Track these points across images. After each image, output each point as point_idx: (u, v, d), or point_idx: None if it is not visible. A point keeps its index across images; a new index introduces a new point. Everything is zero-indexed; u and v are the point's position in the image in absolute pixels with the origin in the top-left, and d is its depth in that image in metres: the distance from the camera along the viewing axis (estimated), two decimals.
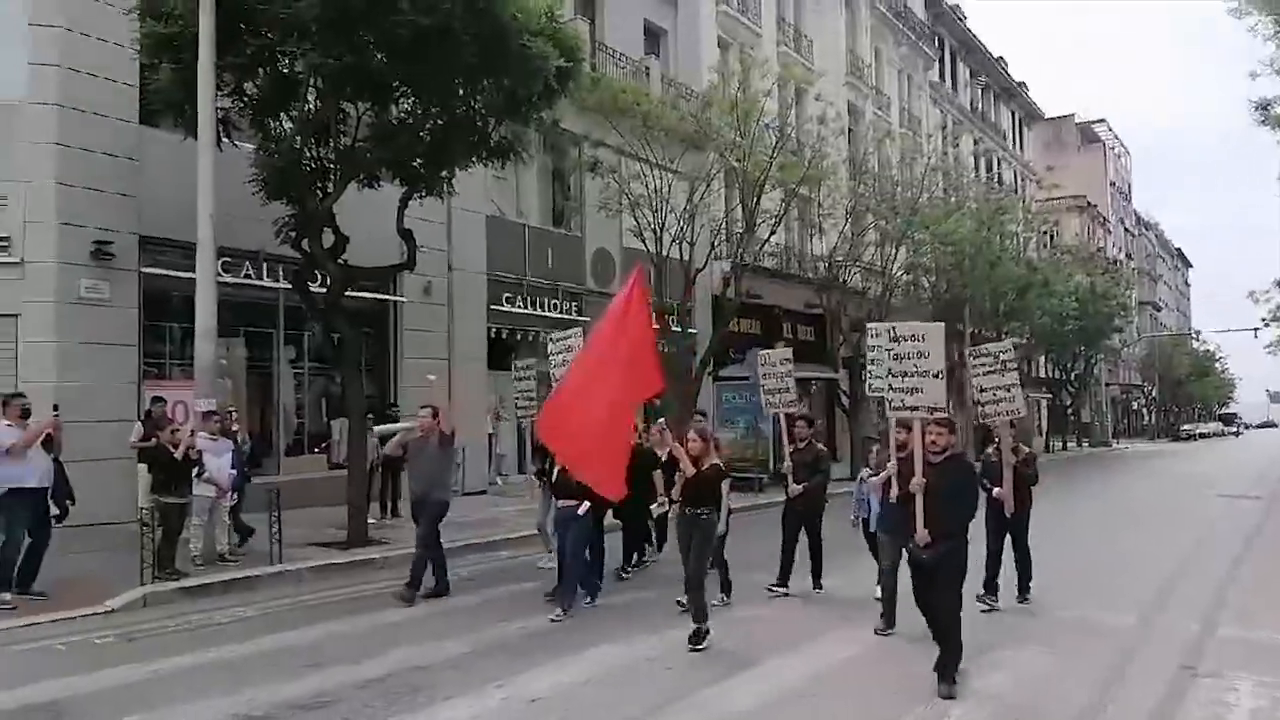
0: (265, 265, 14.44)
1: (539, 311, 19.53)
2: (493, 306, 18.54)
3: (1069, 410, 48.90)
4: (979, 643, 6.90)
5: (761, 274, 22.93)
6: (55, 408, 9.39)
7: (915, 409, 6.64)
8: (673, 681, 6.23)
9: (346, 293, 12.24)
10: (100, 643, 7.07)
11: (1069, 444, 48.19)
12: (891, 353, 6.96)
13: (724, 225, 21.00)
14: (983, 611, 8.01)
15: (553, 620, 7.90)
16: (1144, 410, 77.71)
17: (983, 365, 8.48)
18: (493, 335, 18.62)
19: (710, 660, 6.77)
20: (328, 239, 11.84)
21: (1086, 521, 16.16)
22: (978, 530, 7.01)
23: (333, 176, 11.68)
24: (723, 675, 6.36)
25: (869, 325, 7.14)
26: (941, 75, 42.01)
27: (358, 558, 10.67)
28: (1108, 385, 62.39)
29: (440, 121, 11.60)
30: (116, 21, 11.75)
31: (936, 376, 6.68)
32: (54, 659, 6.64)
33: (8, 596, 8.01)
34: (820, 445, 9.42)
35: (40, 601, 8.08)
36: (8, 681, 6.04)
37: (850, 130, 28.71)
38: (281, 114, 11.36)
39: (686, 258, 18.71)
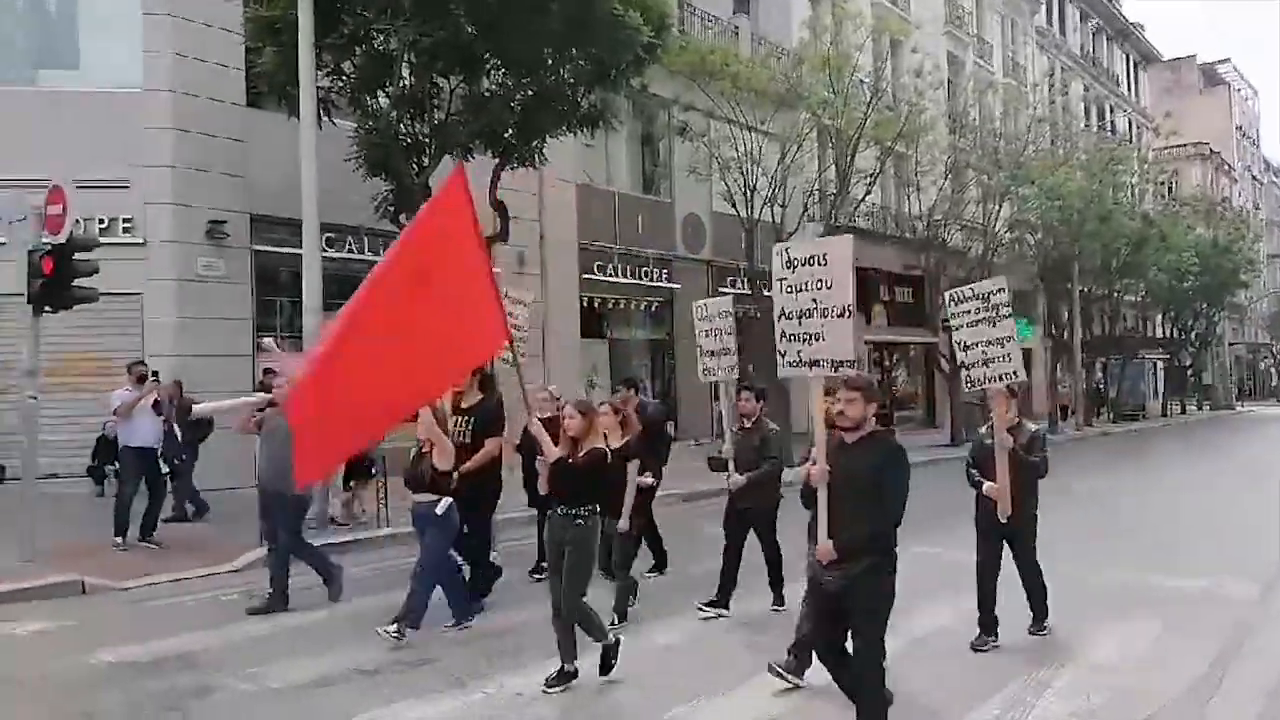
0: (366, 239, 14.91)
1: (630, 279, 19.60)
2: (584, 275, 18.70)
3: (1189, 371, 46.38)
4: (1085, 613, 6.67)
5: (856, 234, 22.36)
6: (155, 375, 9.75)
7: (815, 364, 4.66)
8: None
9: None
10: (226, 599, 7.53)
11: (1188, 407, 45.78)
12: (784, 284, 4.79)
13: (816, 186, 20.56)
14: (979, 651, 5.96)
15: (386, 633, 6.11)
16: (1272, 371, 73.05)
17: (965, 312, 6.13)
18: (585, 304, 18.81)
19: (583, 706, 5.10)
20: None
21: (1201, 486, 15.38)
22: (967, 538, 6.26)
23: (428, 150, 11.94)
24: None
25: (775, 247, 5.00)
26: (1049, 19, 39.84)
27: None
28: (1231, 345, 58.82)
29: (530, 92, 11.71)
30: (222, 7, 12.24)
31: (842, 315, 4.59)
32: (184, 614, 7.11)
33: (120, 540, 8.94)
34: (771, 424, 7.09)
35: (163, 556, 8.72)
36: (142, 634, 6.50)
37: (949, 82, 27.59)
38: (378, 91, 11.66)
39: (778, 220, 18.43)
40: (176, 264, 12.74)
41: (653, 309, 20.71)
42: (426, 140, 11.99)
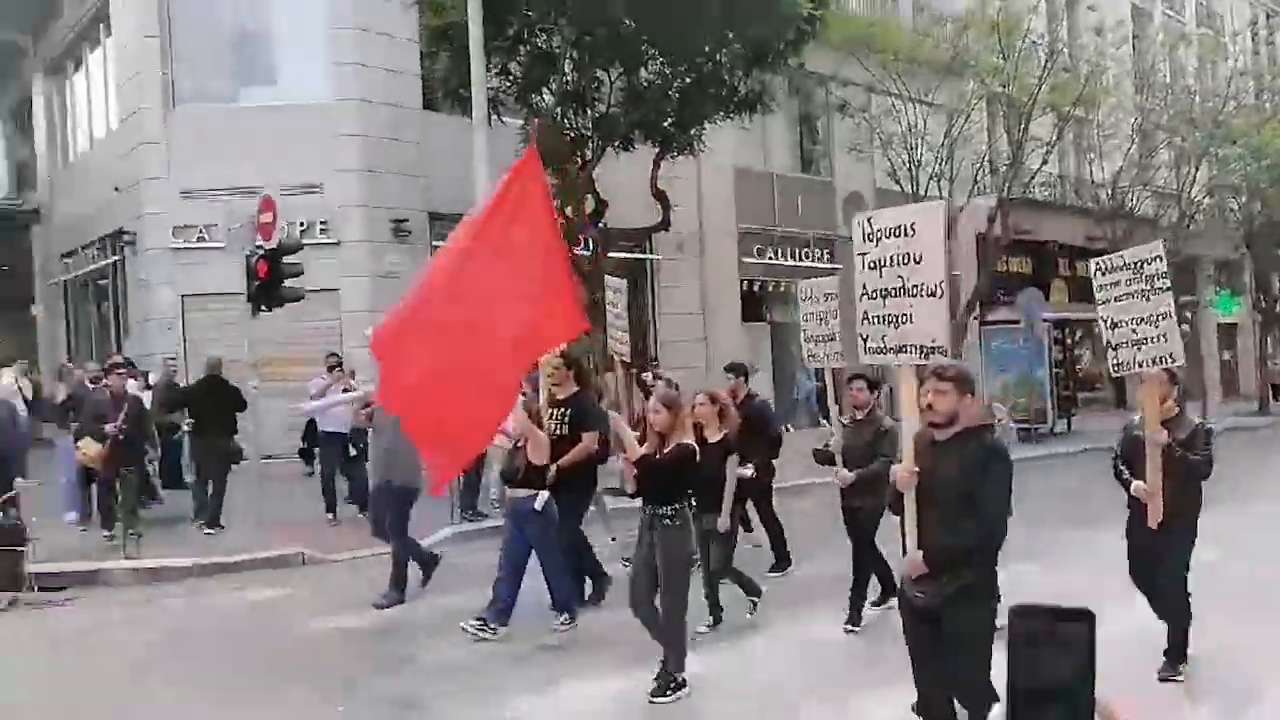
0: None
1: (790, 261, 19.42)
2: (744, 259, 18.68)
3: None
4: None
5: (1032, 207, 21.19)
6: (339, 365, 10.47)
7: (902, 349, 4.10)
8: None
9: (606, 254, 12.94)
10: (415, 573, 8.13)
11: None
12: (866, 259, 4.24)
13: (987, 158, 19.59)
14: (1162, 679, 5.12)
15: (555, 628, 6.26)
16: None
17: (1114, 284, 5.34)
18: (744, 287, 18.81)
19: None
20: (589, 204, 12.54)
21: None
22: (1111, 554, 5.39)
23: (590, 143, 12.31)
24: None
25: (855, 217, 4.42)
26: None
27: (623, 504, 11.33)
28: None
29: (688, 80, 11.83)
30: (399, 18, 13.03)
31: (934, 294, 3.96)
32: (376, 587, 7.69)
33: (331, 516, 9.93)
34: (887, 418, 6.46)
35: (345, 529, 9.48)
36: (356, 603, 7.16)
37: (1135, 37, 25.53)
38: (543, 88, 12.11)
39: (946, 195, 17.73)
40: (367, 261, 13.74)
41: None
42: (589, 133, 12.36)
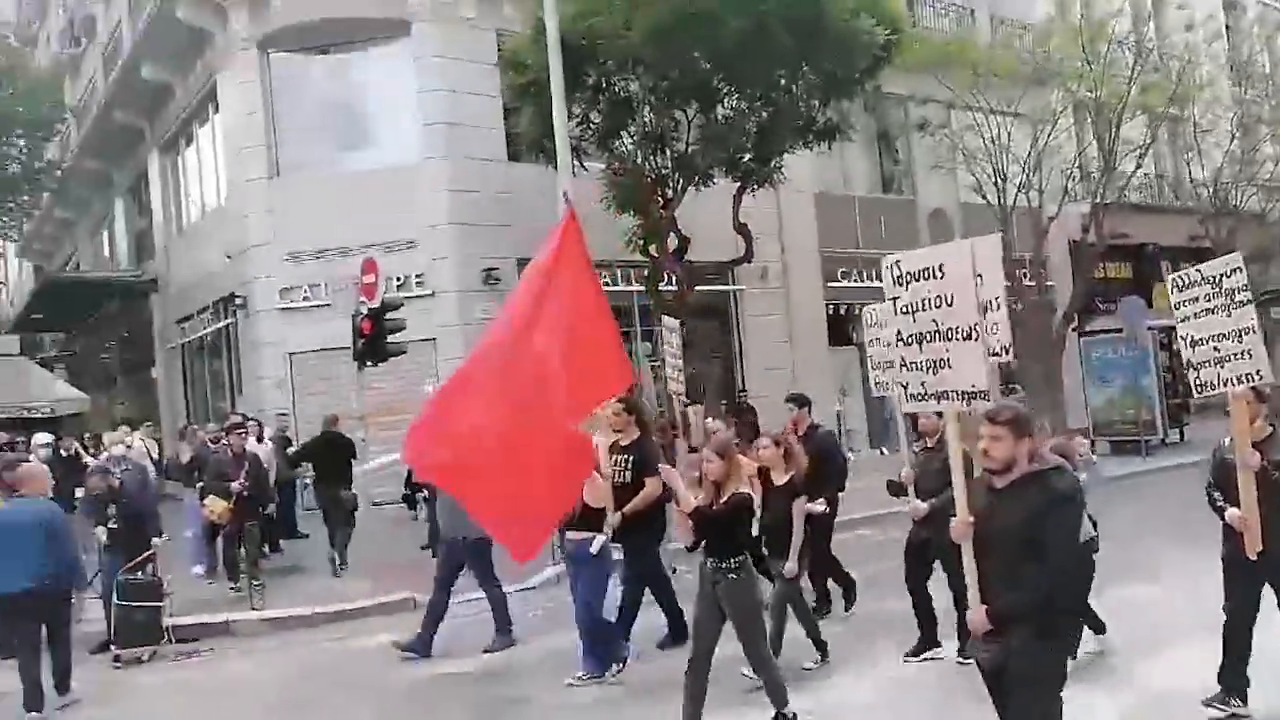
0: (619, 271, 15.79)
1: (875, 283, 18.93)
2: (828, 283, 18.59)
3: None
4: None
5: (1129, 210, 20.43)
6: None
7: (943, 396, 4.02)
8: None
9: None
10: (532, 615, 8.32)
11: None
12: (899, 304, 4.15)
13: (1077, 164, 19.06)
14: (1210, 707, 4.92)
15: (570, 683, 6.18)
16: None
17: (1192, 299, 5.11)
18: (830, 312, 18.68)
19: None
20: (672, 242, 12.74)
21: None
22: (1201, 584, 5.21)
23: (671, 183, 12.53)
24: None
25: (884, 260, 4.29)
26: None
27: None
28: None
29: (765, 114, 11.96)
30: (483, 77, 13.59)
31: (969, 338, 3.86)
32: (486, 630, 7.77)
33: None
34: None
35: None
36: (468, 647, 7.38)
37: (1228, 29, 24.53)
38: (622, 132, 12.42)
39: (1035, 205, 17.33)
40: (460, 310, 14.23)
41: None
42: (669, 173, 12.60)
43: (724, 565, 4.98)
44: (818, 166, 18.42)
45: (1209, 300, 5.02)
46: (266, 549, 10.86)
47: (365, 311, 9.49)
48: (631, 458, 6.66)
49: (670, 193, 12.51)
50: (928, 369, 4.05)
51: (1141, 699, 5.34)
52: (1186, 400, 21.45)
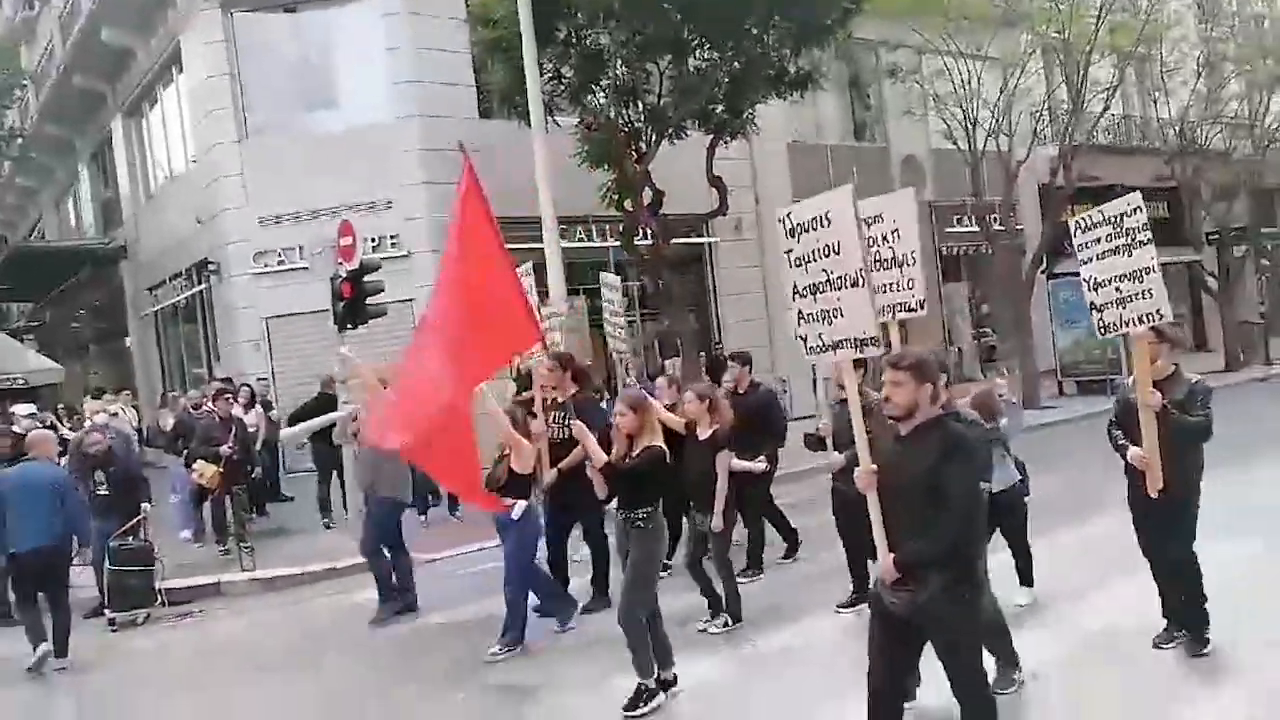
0: (594, 227, 15.81)
1: None
2: None
3: None
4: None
5: (1097, 152, 20.64)
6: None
7: (838, 346, 4.01)
8: None
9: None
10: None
11: None
12: (792, 256, 4.14)
13: (1046, 107, 19.17)
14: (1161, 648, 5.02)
15: (490, 656, 6.08)
16: None
17: (1094, 241, 5.05)
18: None
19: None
20: (646, 196, 12.77)
21: None
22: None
23: (644, 136, 12.52)
24: None
25: (777, 212, 4.28)
26: None
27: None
28: None
29: (737, 64, 11.94)
30: (451, 33, 13.42)
31: (856, 284, 3.86)
32: (483, 580, 7.87)
33: (423, 518, 10.21)
34: (875, 394, 5.52)
35: (458, 529, 9.93)
36: (455, 600, 7.58)
37: None
38: (594, 87, 12.36)
39: (1005, 149, 17.47)
40: (436, 271, 14.18)
41: None
42: (642, 127, 12.58)
43: (632, 516, 5.04)
44: (790, 116, 18.38)
45: (1110, 241, 4.97)
46: (254, 512, 11.00)
47: (344, 274, 9.50)
48: (566, 414, 6.58)
49: (644, 146, 12.51)
50: (822, 319, 4.04)
51: (1088, 637, 5.41)
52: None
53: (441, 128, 14.29)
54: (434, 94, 14.26)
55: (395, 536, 7.35)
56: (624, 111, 12.43)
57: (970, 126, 17.41)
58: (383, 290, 9.86)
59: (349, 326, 9.67)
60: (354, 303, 9.51)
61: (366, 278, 9.68)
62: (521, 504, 6.08)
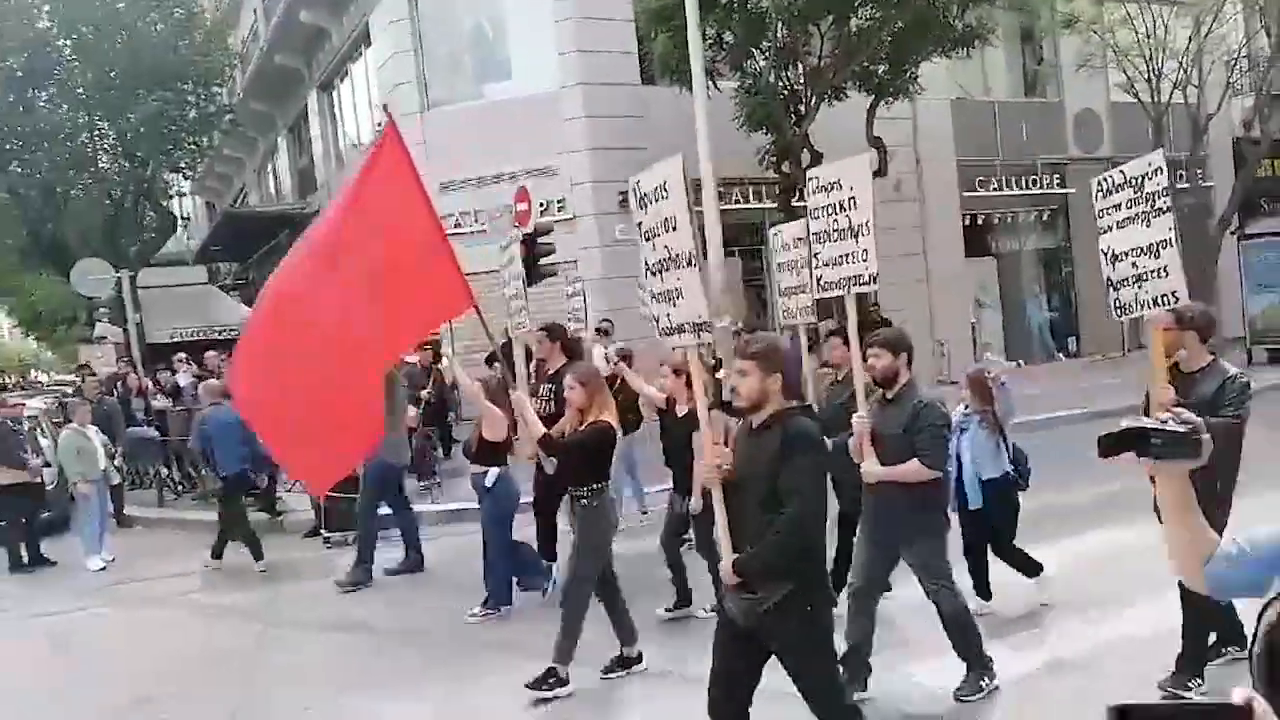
0: (751, 189, 16.07)
1: (1016, 190, 18.70)
2: (965, 193, 18.23)
3: None
4: None
5: None
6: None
7: (680, 330, 3.69)
8: None
9: None
10: None
11: None
12: (642, 229, 3.79)
13: (1242, 55, 17.75)
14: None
15: (469, 618, 6.25)
16: None
17: (1115, 207, 4.35)
18: (967, 222, 18.37)
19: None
20: (804, 158, 12.92)
21: None
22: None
23: (804, 99, 12.65)
24: None
25: (629, 181, 3.89)
26: None
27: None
28: None
29: (901, 24, 11.85)
30: (615, 3, 13.91)
31: (690, 264, 3.55)
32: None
33: None
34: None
35: None
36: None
37: None
38: (754, 50, 12.58)
39: (1194, 102, 16.37)
40: (600, 233, 14.94)
41: (1044, 218, 19.60)
42: (801, 88, 12.71)
43: (578, 492, 4.89)
44: (954, 71, 17.87)
45: (1130, 208, 4.26)
46: (442, 451, 12.11)
47: (520, 237, 10.26)
48: (556, 385, 6.12)
49: (803, 109, 12.64)
50: (668, 300, 3.70)
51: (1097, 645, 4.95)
52: None
53: (604, 95, 14.92)
54: (598, 62, 14.87)
55: (395, 496, 7.89)
56: (784, 74, 12.58)
57: (1155, 78, 16.42)
58: (554, 251, 10.58)
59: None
60: (529, 263, 10.25)
61: (540, 239, 10.40)
62: (494, 472, 6.11)
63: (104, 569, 9.13)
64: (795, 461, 3.14)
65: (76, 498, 9.60)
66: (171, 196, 26.87)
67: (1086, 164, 19.34)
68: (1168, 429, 1.73)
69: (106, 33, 19.02)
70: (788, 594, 3.15)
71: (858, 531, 4.64)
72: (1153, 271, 4.18)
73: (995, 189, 18.58)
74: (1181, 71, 16.24)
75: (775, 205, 14.58)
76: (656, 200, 3.64)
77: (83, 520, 9.44)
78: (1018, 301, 19.41)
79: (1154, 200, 4.16)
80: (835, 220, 4.69)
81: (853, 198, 4.60)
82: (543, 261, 10.44)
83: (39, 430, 11.99)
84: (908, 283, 17.15)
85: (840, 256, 4.74)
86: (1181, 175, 17.38)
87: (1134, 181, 4.23)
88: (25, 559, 9.33)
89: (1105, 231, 4.44)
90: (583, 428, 4.78)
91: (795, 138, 12.59)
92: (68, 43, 19.44)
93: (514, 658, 5.38)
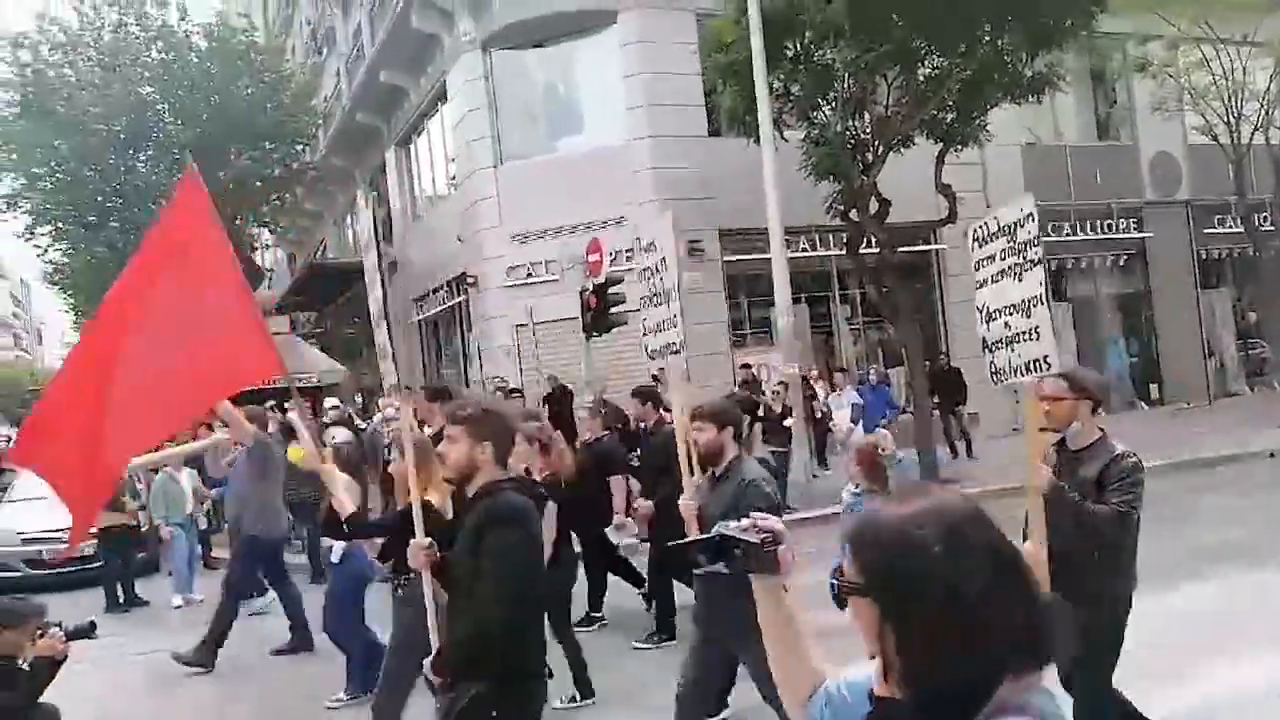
0: (818, 236, 16.13)
1: (1090, 234, 18.38)
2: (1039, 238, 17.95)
3: None
4: None
5: None
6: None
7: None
8: None
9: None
10: None
11: None
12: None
13: None
14: None
15: (329, 705, 5.84)
16: None
17: (989, 259, 3.81)
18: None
19: None
20: (872, 206, 12.93)
21: None
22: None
23: (871, 147, 12.70)
24: None
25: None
26: None
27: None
28: None
29: (969, 72, 11.85)
30: (683, 57, 14.27)
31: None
32: None
33: None
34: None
35: None
36: None
37: None
38: (821, 101, 12.71)
39: (1276, 144, 15.96)
40: None
41: (1121, 262, 19.19)
42: (868, 137, 12.76)
43: (395, 581, 4.59)
44: (1025, 116, 17.74)
45: (1003, 259, 3.69)
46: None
47: (591, 287, 10.50)
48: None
49: (870, 157, 12.68)
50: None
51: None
52: None
53: (672, 147, 15.23)
54: (666, 116, 15.21)
55: (271, 569, 7.39)
56: (851, 124, 12.67)
57: (1234, 119, 16.08)
58: (624, 301, 10.78)
59: (595, 334, 10.66)
60: (599, 313, 10.48)
61: (610, 289, 10.62)
62: (339, 546, 5.76)
63: (179, 607, 9.46)
64: (487, 540, 2.85)
65: (163, 539, 10.02)
66: (255, 249, 28.07)
67: (1164, 207, 18.97)
68: (744, 538, 1.50)
69: (202, 94, 20.17)
70: (473, 697, 2.81)
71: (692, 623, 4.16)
72: (1024, 333, 3.61)
73: (1069, 234, 18.28)
74: (1262, 113, 15.88)
75: (843, 253, 14.58)
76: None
77: (171, 562, 9.82)
78: (1094, 348, 18.95)
79: (1024, 251, 3.58)
80: (653, 283, 4.92)
81: (663, 258, 4.74)
82: (613, 310, 10.64)
83: (135, 474, 12.53)
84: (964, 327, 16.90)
85: (659, 324, 4.91)
86: (1266, 218, 16.88)
87: (1007, 230, 3.68)
88: (121, 599, 9.73)
89: (980, 286, 3.90)
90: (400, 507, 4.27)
91: (863, 186, 12.60)
92: (166, 106, 20.66)
93: None
